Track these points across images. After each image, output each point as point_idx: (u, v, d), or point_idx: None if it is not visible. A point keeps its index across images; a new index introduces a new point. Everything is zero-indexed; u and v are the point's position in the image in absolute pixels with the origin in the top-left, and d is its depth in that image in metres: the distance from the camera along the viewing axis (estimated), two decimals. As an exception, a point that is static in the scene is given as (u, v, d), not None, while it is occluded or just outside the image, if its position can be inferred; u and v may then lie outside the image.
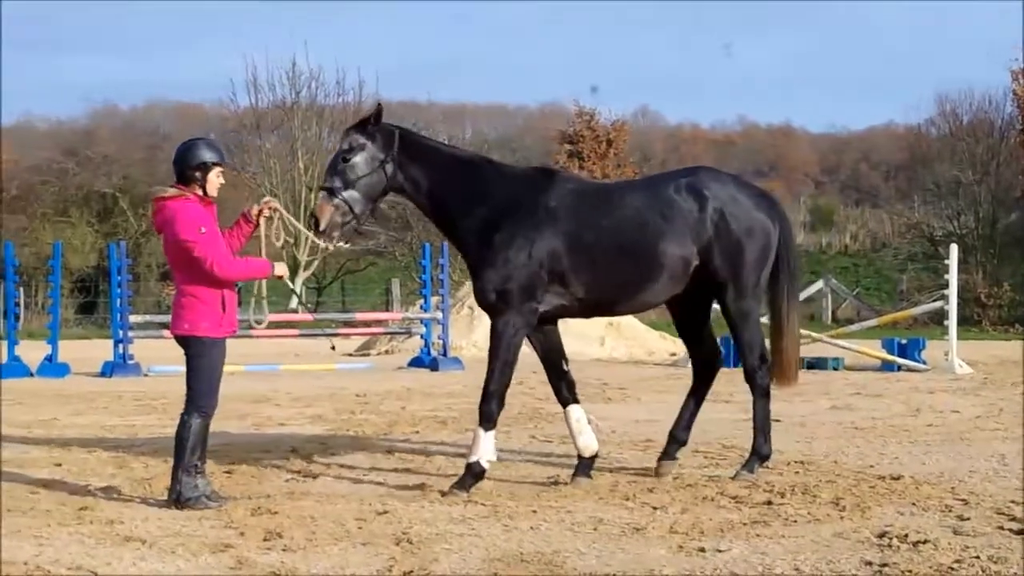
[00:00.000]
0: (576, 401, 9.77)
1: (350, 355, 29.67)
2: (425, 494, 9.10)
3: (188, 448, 8.67)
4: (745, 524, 7.85)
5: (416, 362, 24.35)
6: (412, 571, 6.70)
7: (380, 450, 11.49)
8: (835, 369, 22.97)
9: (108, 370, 22.04)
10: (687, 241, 9.44)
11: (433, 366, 23.41)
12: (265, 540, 7.51)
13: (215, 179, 8.84)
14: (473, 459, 9.23)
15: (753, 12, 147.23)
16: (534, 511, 8.38)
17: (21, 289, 43.38)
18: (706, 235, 9.47)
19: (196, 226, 8.61)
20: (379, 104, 9.70)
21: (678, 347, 25.44)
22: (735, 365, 23.12)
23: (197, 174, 8.78)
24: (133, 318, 23.11)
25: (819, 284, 30.86)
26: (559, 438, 12.39)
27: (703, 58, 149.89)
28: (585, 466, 9.61)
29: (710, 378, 10.22)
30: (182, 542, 7.44)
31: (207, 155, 8.82)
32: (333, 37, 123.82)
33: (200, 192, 8.79)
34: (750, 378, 9.83)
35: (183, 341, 8.87)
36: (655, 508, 8.47)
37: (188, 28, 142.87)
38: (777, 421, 13.69)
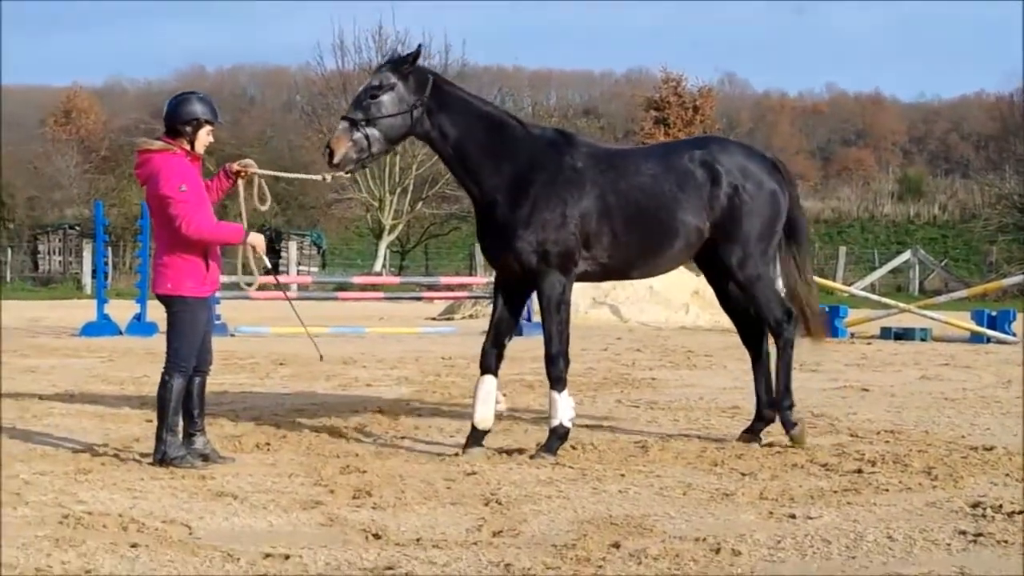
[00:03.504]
0: (495, 375, 9.49)
1: (434, 319, 29.79)
2: (513, 456, 9.11)
3: (171, 408, 8.58)
4: (836, 492, 7.79)
5: (500, 326, 24.30)
6: (501, 531, 6.71)
7: (466, 412, 11.50)
8: (923, 340, 22.74)
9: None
10: (701, 212, 9.43)
11: (518, 331, 23.36)
12: (355, 498, 7.56)
13: (204, 136, 8.71)
14: (555, 422, 9.20)
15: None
16: (622, 475, 8.38)
17: (110, 249, 44.04)
18: (719, 208, 9.45)
19: (178, 183, 8.45)
20: (419, 45, 9.58)
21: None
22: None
23: (188, 129, 8.63)
24: (220, 278, 23.25)
25: (906, 255, 30.71)
26: (645, 403, 12.41)
27: (791, 25, 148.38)
28: (476, 437, 9.36)
29: (764, 347, 10.07)
30: (273, 498, 7.51)
31: (199, 110, 8.68)
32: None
33: (188, 147, 8.65)
34: (776, 332, 9.73)
35: (166, 300, 8.71)
36: (744, 474, 8.43)
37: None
38: (866, 390, 13.69)
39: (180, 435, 8.67)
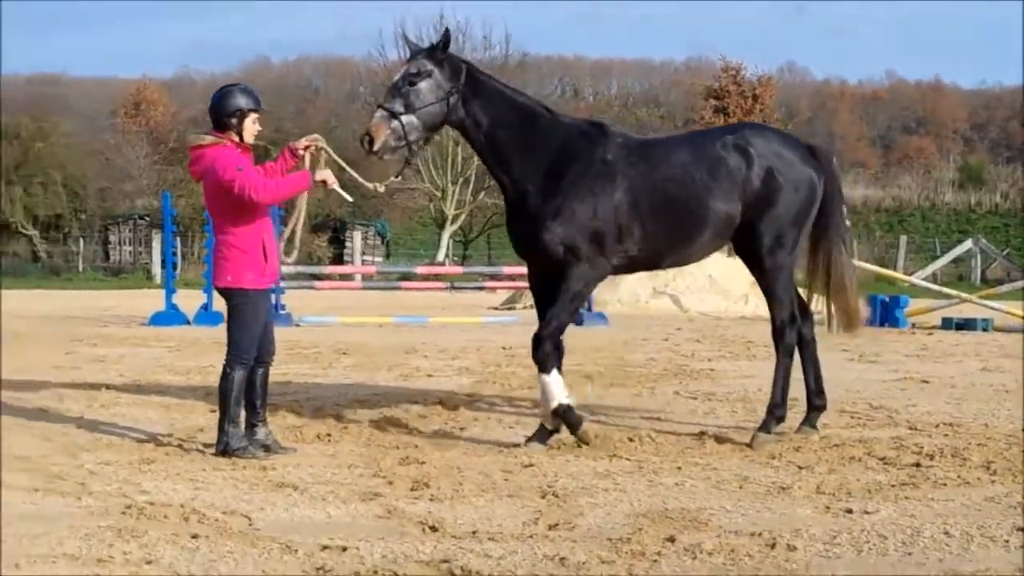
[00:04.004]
0: (559, 371, 9.38)
1: (495, 309, 29.86)
2: (570, 448, 9.15)
3: (232, 399, 8.70)
4: (893, 486, 7.77)
5: (562, 316, 24.34)
6: (557, 524, 6.75)
7: (526, 403, 11.58)
8: (984, 330, 22.55)
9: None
10: (734, 198, 9.37)
11: (578, 321, 23.43)
12: (413, 489, 7.63)
13: (251, 125, 8.83)
14: (553, 404, 9.13)
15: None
16: (679, 467, 8.40)
17: (178, 239, 44.46)
18: (752, 192, 9.39)
19: (234, 165, 8.58)
20: (447, 29, 9.59)
21: (822, 305, 25.10)
22: (881, 324, 23.01)
23: (233, 120, 8.77)
24: (285, 268, 23.45)
25: (968, 244, 30.36)
26: (704, 395, 12.40)
27: (851, 13, 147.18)
28: (543, 435, 9.28)
29: (809, 334, 10.00)
30: (332, 489, 7.60)
31: (242, 101, 8.80)
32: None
33: (237, 139, 8.78)
34: (778, 335, 9.66)
35: (226, 293, 8.84)
36: (801, 468, 8.42)
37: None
38: (926, 382, 13.60)
39: (242, 426, 8.79)
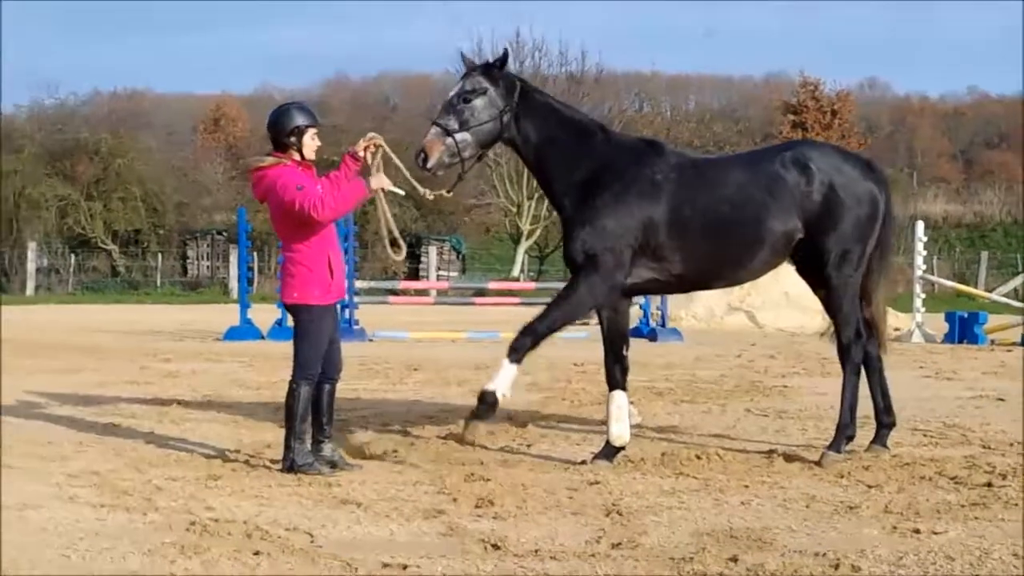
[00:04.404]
0: (624, 388, 9.45)
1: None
2: (637, 465, 9.10)
3: (298, 416, 8.72)
4: (963, 506, 7.66)
5: (635, 332, 24.26)
6: (621, 543, 6.72)
7: (594, 419, 11.53)
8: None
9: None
10: (792, 215, 9.29)
11: (652, 336, 23.36)
12: (477, 507, 7.62)
13: (311, 141, 8.87)
14: (489, 387, 9.13)
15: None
16: (746, 486, 8.33)
17: (254, 254, 44.85)
18: (813, 207, 9.30)
19: (294, 185, 8.62)
20: (506, 50, 9.69)
21: (900, 321, 24.90)
22: (959, 340, 22.72)
23: (292, 139, 8.81)
24: (359, 284, 23.56)
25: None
26: (775, 412, 12.30)
27: (932, 27, 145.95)
28: (609, 452, 9.25)
29: (874, 351, 9.89)
30: (396, 507, 7.60)
31: (300, 119, 8.84)
32: (557, 6, 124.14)
33: (298, 157, 8.83)
34: (844, 353, 9.60)
35: (294, 309, 8.91)
36: (870, 487, 8.32)
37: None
38: (1002, 400, 13.40)
39: (308, 442, 8.82)
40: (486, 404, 9.12)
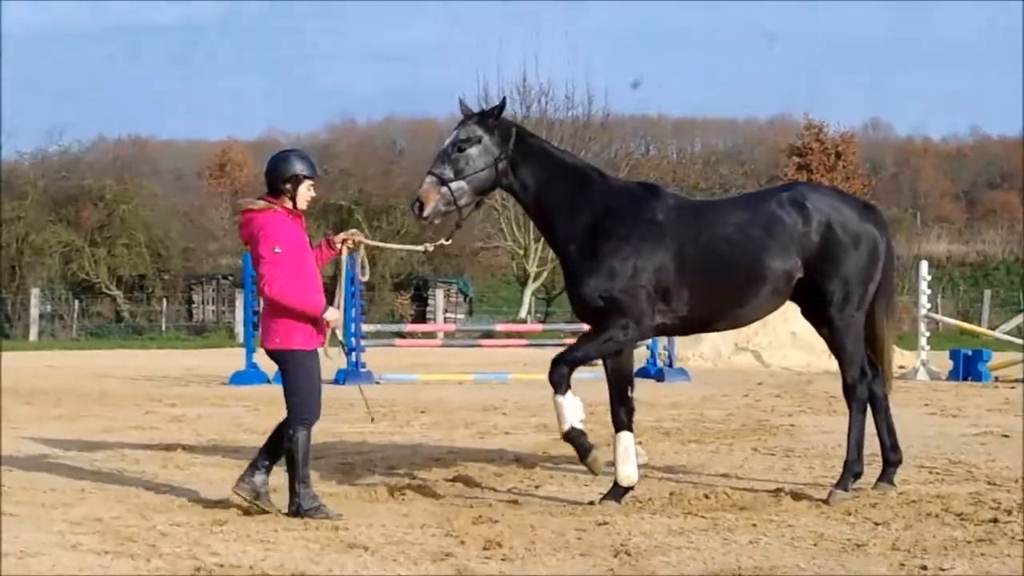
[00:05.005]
0: (631, 429, 9.47)
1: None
2: (645, 505, 9.08)
3: (299, 461, 8.70)
4: (970, 542, 7.65)
5: (642, 372, 24.25)
6: (629, 583, 6.70)
7: (602, 461, 11.47)
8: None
9: (341, 378, 22.44)
10: (791, 255, 9.33)
11: (659, 377, 23.32)
12: (485, 549, 7.60)
13: (305, 192, 8.87)
14: (565, 428, 9.15)
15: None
16: (754, 524, 8.32)
17: (260, 298, 44.87)
18: (812, 247, 9.34)
19: (273, 244, 8.63)
20: (503, 98, 9.76)
21: (905, 359, 24.88)
22: (964, 377, 22.72)
23: (288, 186, 8.81)
24: (366, 327, 23.55)
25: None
26: (782, 451, 12.28)
27: (935, 70, 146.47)
28: (617, 493, 9.27)
29: (880, 390, 9.89)
30: (404, 550, 7.57)
31: (299, 167, 8.84)
32: (563, 51, 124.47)
33: (290, 204, 8.83)
34: (849, 392, 9.60)
35: (276, 356, 8.86)
36: (877, 524, 8.31)
37: (428, 41, 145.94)
38: (1007, 436, 13.38)
39: (312, 486, 8.80)
40: (575, 440, 9.19)
